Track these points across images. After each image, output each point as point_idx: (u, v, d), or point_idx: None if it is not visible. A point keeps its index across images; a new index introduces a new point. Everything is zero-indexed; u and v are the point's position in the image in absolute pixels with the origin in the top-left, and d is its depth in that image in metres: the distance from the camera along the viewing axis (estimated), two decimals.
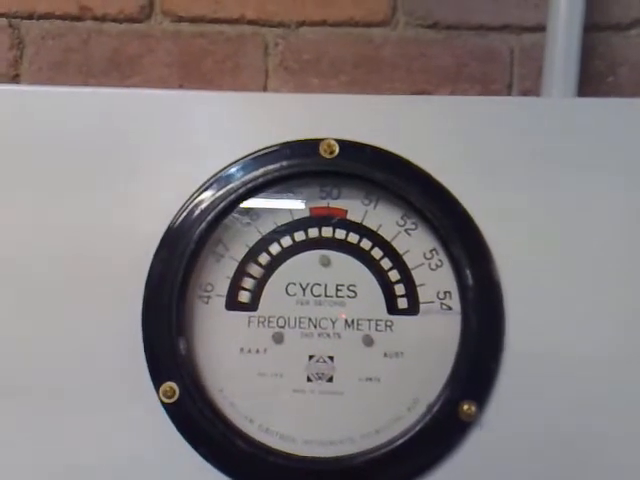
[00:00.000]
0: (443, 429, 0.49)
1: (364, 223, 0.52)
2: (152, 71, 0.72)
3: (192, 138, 0.53)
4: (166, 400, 0.49)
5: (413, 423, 0.50)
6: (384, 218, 0.52)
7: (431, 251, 0.52)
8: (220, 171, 0.53)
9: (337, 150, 0.52)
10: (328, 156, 0.52)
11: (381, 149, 0.52)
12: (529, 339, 0.50)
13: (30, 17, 0.72)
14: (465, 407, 0.49)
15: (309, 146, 0.52)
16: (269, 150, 0.53)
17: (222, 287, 0.52)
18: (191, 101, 0.54)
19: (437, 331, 0.51)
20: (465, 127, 0.53)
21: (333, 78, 0.71)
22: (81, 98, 0.54)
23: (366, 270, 0.52)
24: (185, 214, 0.52)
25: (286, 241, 0.53)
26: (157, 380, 0.50)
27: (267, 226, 0.53)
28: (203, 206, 0.52)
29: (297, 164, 0.52)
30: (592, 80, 0.68)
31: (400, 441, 0.49)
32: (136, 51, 0.72)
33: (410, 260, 0.52)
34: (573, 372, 0.50)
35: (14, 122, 0.54)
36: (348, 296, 0.52)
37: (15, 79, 0.72)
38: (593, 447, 0.50)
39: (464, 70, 0.70)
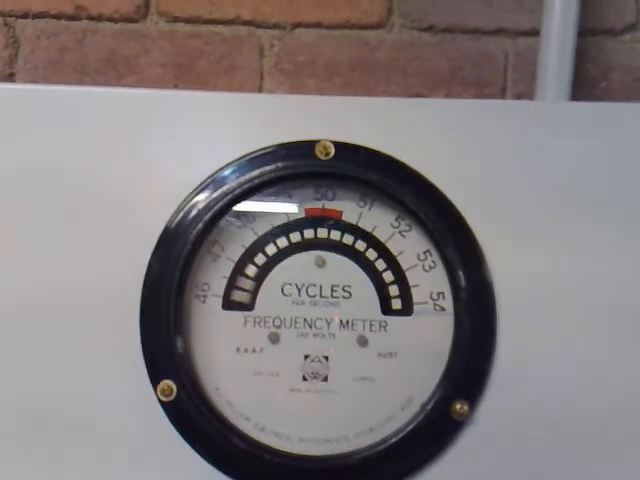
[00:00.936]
0: (436, 428, 0.51)
1: (359, 224, 0.54)
2: (147, 71, 0.73)
3: (187, 139, 0.54)
4: (164, 398, 0.51)
5: (406, 422, 0.51)
6: (379, 220, 0.54)
7: (425, 252, 0.53)
8: (216, 172, 0.54)
9: (333, 152, 0.53)
10: (324, 158, 0.53)
11: (376, 151, 0.53)
12: (521, 340, 0.52)
13: (25, 16, 0.73)
14: (458, 406, 0.50)
15: (305, 147, 0.53)
16: (265, 151, 0.54)
17: (219, 287, 0.54)
18: (186, 101, 0.55)
19: (430, 331, 0.53)
20: (460, 130, 0.54)
21: (328, 80, 0.73)
22: (76, 97, 0.55)
23: (361, 271, 0.53)
24: (182, 215, 0.53)
25: (282, 242, 0.54)
26: (155, 378, 0.51)
27: (263, 227, 0.54)
28: (200, 207, 0.53)
29: (293, 165, 0.53)
30: (585, 85, 0.70)
31: (393, 439, 0.51)
32: (131, 51, 0.73)
33: (404, 261, 0.53)
34: (564, 372, 0.52)
35: (9, 120, 0.55)
36: (343, 297, 0.53)
37: (10, 78, 0.73)
38: (584, 446, 0.52)
39: (458, 73, 0.72)
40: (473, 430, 0.51)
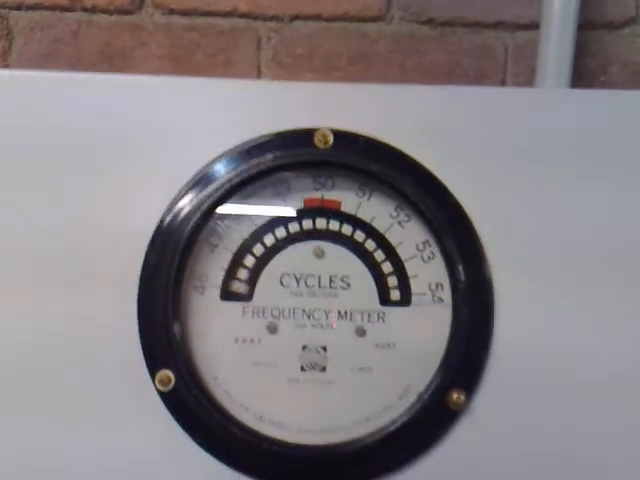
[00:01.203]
0: (432, 417, 0.53)
1: (358, 215, 0.55)
2: (143, 64, 0.75)
3: (183, 126, 0.56)
4: (162, 388, 0.53)
5: (403, 412, 0.53)
6: (378, 210, 0.55)
7: (424, 243, 0.55)
8: (213, 161, 0.55)
9: (332, 140, 0.55)
10: (323, 146, 0.55)
11: (376, 140, 0.55)
12: (518, 330, 0.54)
13: (19, 7, 0.75)
14: (454, 396, 0.52)
15: (303, 136, 0.55)
16: (263, 140, 0.55)
17: (217, 278, 0.55)
18: (182, 88, 0.56)
19: (428, 322, 0.54)
20: (460, 117, 0.56)
21: (326, 73, 0.74)
22: (70, 84, 0.56)
23: (359, 262, 0.55)
24: (178, 205, 0.54)
25: (280, 232, 0.55)
26: (153, 368, 0.53)
27: (261, 217, 0.56)
28: (196, 197, 0.54)
29: (291, 154, 0.55)
30: (584, 78, 0.72)
31: (390, 429, 0.53)
32: (127, 44, 0.75)
33: (403, 252, 0.55)
34: (561, 363, 0.54)
35: (4, 107, 0.56)
36: (341, 287, 0.55)
37: None
38: (579, 438, 0.54)
39: (458, 67, 0.74)
40: (469, 420, 0.53)
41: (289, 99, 0.56)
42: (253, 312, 0.55)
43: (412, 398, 0.54)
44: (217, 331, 0.55)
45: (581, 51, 0.71)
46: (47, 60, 0.75)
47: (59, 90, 0.56)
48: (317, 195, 0.56)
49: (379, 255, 0.56)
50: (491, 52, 0.75)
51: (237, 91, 0.57)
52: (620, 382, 0.54)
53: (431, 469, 0.53)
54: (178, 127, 0.56)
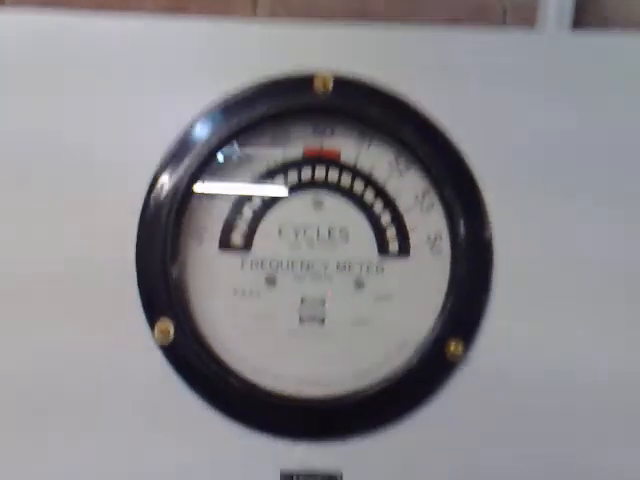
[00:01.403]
0: (431, 369, 0.53)
1: (357, 165, 0.55)
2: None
3: (179, 69, 0.55)
4: (162, 342, 0.53)
5: (401, 364, 0.54)
6: (377, 159, 0.55)
7: (423, 193, 0.55)
8: (210, 107, 0.55)
9: (331, 86, 0.54)
10: (322, 91, 0.54)
11: (376, 86, 0.54)
12: (516, 280, 0.54)
13: None
14: (452, 347, 0.53)
15: (303, 81, 0.54)
16: (261, 85, 0.55)
17: (216, 228, 0.55)
18: (177, 29, 0.56)
19: (427, 274, 0.55)
20: (462, 59, 0.56)
21: None
22: (60, 26, 0.56)
23: (358, 213, 0.55)
24: (175, 154, 0.54)
25: (279, 182, 0.56)
26: (152, 318, 0.53)
27: (259, 167, 0.56)
28: (193, 145, 0.54)
29: (290, 100, 0.54)
30: None
31: (389, 381, 0.53)
32: None
33: (402, 203, 0.55)
34: (556, 321, 0.55)
35: None
36: (340, 239, 0.56)
37: None
38: (575, 386, 0.54)
39: (457, 27, 0.74)
40: (467, 370, 0.53)
41: (288, 41, 0.56)
42: (252, 263, 0.55)
43: (410, 350, 0.54)
44: (216, 283, 0.55)
45: (581, 9, 0.71)
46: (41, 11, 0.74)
47: (56, 32, 0.56)
48: (317, 143, 0.56)
49: (378, 206, 0.56)
50: (490, 13, 0.74)
51: (234, 32, 0.56)
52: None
53: (429, 420, 0.54)
54: (173, 70, 0.56)
